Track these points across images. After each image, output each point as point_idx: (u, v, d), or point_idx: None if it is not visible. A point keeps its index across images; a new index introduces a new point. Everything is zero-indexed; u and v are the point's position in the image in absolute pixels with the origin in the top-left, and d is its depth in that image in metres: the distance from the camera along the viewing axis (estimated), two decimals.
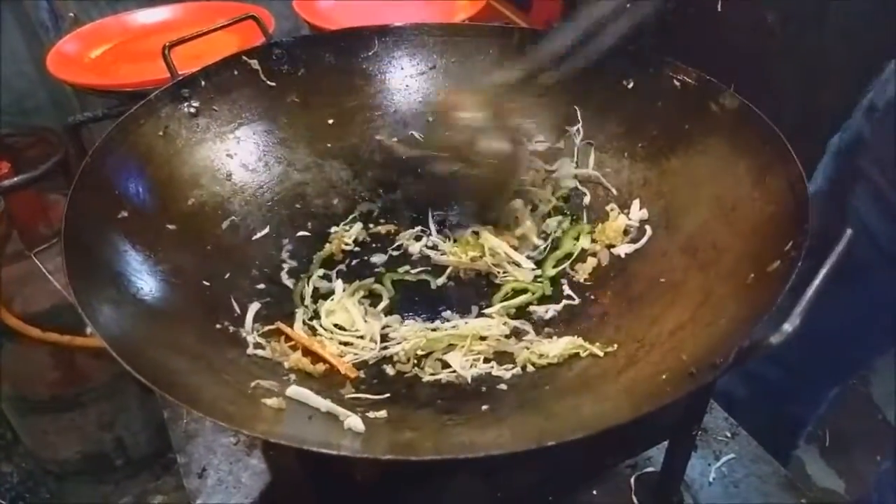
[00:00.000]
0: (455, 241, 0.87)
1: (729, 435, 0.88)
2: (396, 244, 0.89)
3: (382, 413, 0.56)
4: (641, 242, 0.78)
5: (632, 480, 0.82)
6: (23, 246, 1.50)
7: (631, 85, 0.87)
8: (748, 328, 0.51)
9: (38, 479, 1.79)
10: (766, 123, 0.71)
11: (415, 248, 0.87)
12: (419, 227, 0.90)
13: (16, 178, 1.40)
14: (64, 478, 1.76)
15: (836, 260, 0.48)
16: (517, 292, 0.81)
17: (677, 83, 0.83)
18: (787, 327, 0.44)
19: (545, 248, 0.86)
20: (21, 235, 1.50)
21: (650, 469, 0.83)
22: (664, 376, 0.52)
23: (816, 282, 0.46)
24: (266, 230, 0.85)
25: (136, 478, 1.78)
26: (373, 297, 0.82)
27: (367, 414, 0.56)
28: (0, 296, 1.40)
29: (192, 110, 0.83)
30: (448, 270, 0.84)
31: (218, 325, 0.68)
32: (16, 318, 1.40)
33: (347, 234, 0.88)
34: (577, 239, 0.86)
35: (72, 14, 1.84)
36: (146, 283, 0.64)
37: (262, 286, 0.79)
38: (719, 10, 1.27)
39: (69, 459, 1.70)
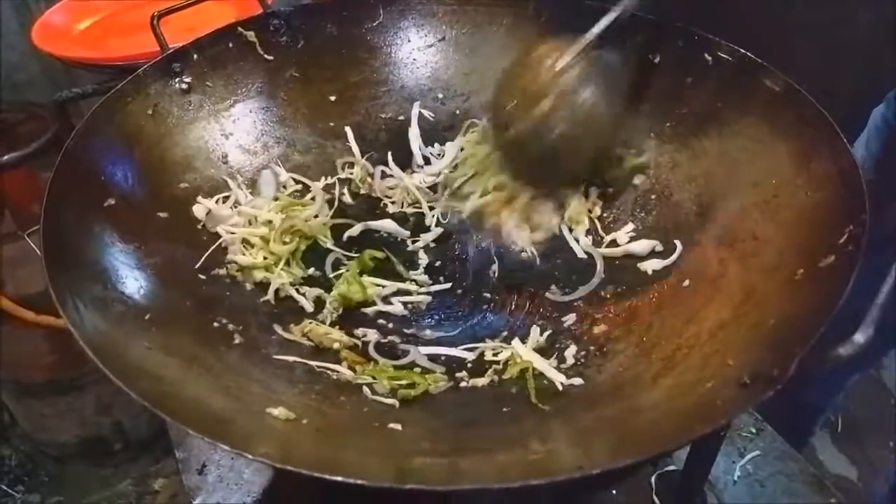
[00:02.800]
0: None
1: (754, 431, 0.84)
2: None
3: (397, 426, 0.52)
4: (672, 258, 0.71)
5: (652, 479, 0.78)
6: (15, 226, 1.47)
7: (658, 59, 0.81)
8: (804, 332, 0.46)
9: (37, 462, 1.77)
10: (809, 102, 0.66)
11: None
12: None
13: (6, 157, 1.35)
14: (63, 461, 1.74)
15: None
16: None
17: (709, 58, 0.76)
18: (859, 338, 0.39)
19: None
20: (14, 215, 1.47)
21: (671, 467, 0.79)
22: (710, 384, 0.47)
23: (888, 285, 0.41)
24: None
25: (136, 461, 1.76)
26: None
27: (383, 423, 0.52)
28: None
29: (184, 86, 0.78)
30: None
31: (216, 323, 0.63)
32: (9, 301, 1.36)
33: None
34: None
35: None
36: (135, 278, 0.59)
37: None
38: None
39: (68, 443, 1.68)
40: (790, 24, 1.24)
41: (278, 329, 0.67)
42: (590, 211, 0.81)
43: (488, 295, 0.75)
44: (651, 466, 0.79)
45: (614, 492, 0.77)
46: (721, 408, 0.43)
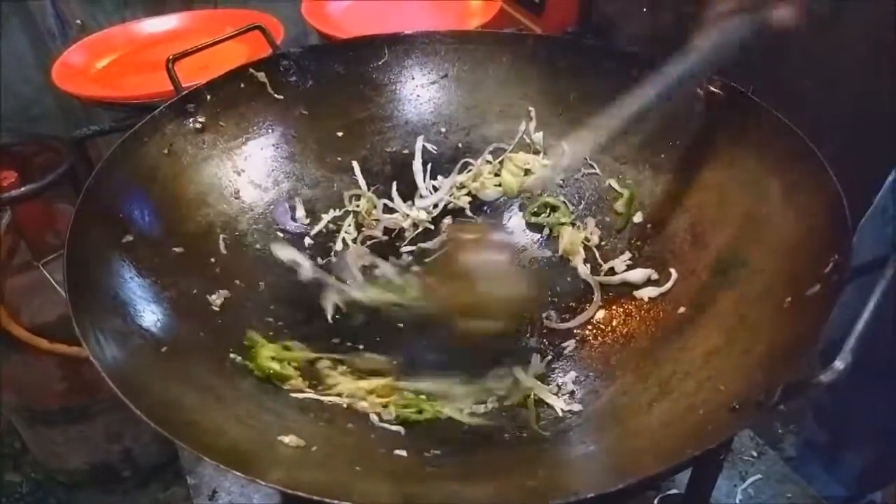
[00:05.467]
0: None
1: (755, 454, 0.85)
2: None
3: (403, 452, 0.54)
4: (667, 286, 0.73)
5: (655, 503, 0.79)
6: (30, 256, 1.49)
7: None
8: (790, 359, 0.48)
9: (47, 489, 1.78)
10: (797, 136, 0.68)
11: None
12: None
13: (23, 189, 1.37)
14: (73, 488, 1.75)
15: (885, 287, 0.45)
16: None
17: (700, 91, 0.79)
18: (839, 364, 0.41)
19: None
20: (29, 246, 1.49)
21: (673, 491, 0.80)
22: (702, 411, 0.49)
23: (866, 313, 0.43)
24: None
25: (145, 488, 1.76)
26: None
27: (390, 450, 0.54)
28: (7, 306, 1.38)
29: (198, 126, 0.81)
30: None
31: (232, 354, 0.65)
32: (23, 329, 1.38)
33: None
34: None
35: (79, 21, 1.82)
36: (151, 311, 0.61)
37: (273, 307, 0.76)
38: None
39: (78, 470, 1.69)
40: (788, 50, 1.26)
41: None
42: (588, 239, 0.84)
43: None
44: (653, 490, 0.80)
45: None
46: (712, 432, 0.44)
